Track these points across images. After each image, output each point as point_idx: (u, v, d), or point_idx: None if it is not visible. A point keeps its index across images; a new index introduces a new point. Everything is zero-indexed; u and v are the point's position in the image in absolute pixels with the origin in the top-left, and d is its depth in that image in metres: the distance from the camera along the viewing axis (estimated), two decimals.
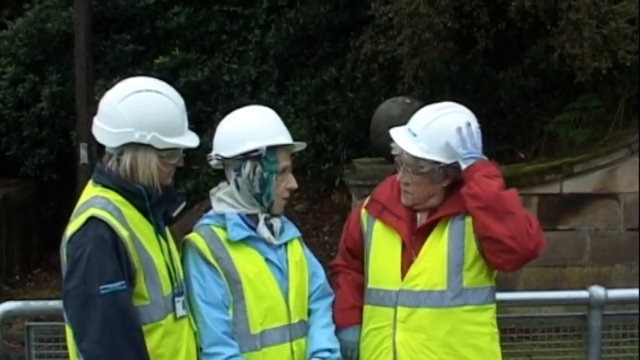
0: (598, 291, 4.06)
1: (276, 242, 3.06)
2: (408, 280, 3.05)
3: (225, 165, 3.08)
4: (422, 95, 9.13)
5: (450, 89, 9.96)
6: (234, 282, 2.95)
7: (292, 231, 3.15)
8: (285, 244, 3.10)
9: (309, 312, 3.12)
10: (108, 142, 2.79)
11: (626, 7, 8.23)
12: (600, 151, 8.59)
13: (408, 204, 3.12)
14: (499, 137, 10.06)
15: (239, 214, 3.03)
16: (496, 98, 10.09)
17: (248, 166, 3.00)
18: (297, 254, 3.12)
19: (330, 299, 3.18)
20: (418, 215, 3.14)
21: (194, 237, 3.02)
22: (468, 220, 3.03)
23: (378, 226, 3.19)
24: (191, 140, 2.88)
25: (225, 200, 3.07)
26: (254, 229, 3.03)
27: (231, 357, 2.92)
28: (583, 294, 4.12)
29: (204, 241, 2.99)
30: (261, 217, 3.05)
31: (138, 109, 2.75)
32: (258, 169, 3.00)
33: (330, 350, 3.03)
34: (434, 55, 9.20)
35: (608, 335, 4.22)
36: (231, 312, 2.96)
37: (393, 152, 3.12)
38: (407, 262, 3.08)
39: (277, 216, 3.10)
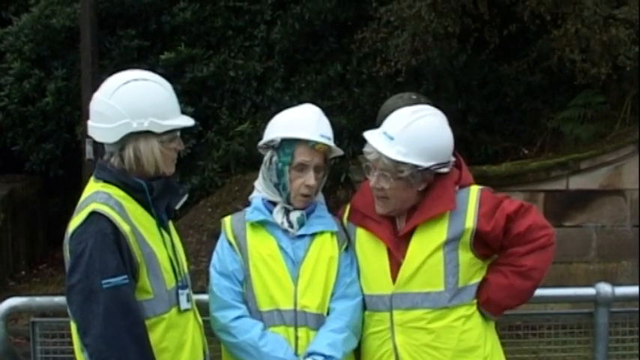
0: (605, 288, 4.03)
1: (291, 231, 3.10)
2: (400, 283, 3.04)
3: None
4: (426, 91, 9.11)
5: (455, 85, 9.94)
6: (245, 260, 3.08)
7: (322, 225, 3.14)
8: (314, 237, 3.11)
9: (329, 310, 3.09)
10: (107, 138, 2.81)
11: (626, 15, 8.23)
12: (607, 147, 8.58)
13: (383, 212, 3.09)
14: (505, 134, 10.06)
15: (262, 199, 3.15)
16: (502, 95, 10.08)
17: (267, 155, 3.14)
18: (326, 248, 3.11)
19: (352, 303, 3.09)
20: (397, 216, 3.12)
21: (227, 217, 3.24)
22: (454, 220, 3.02)
23: (360, 233, 3.17)
24: (186, 120, 2.90)
25: (255, 187, 3.22)
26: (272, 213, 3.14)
27: (235, 318, 3.03)
28: (590, 291, 4.09)
29: (230, 221, 3.19)
30: (280, 205, 3.13)
31: (130, 99, 2.77)
32: (274, 158, 3.10)
33: (324, 356, 2.98)
34: (436, 53, 9.20)
35: (614, 332, 4.20)
36: (244, 289, 3.08)
37: (369, 157, 3.04)
38: (395, 266, 3.06)
39: (301, 208, 3.13)
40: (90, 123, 2.85)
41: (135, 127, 2.76)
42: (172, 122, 2.83)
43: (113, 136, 2.78)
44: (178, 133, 2.89)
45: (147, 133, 2.78)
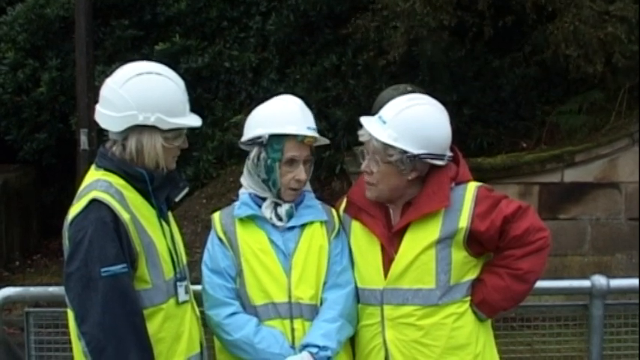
0: (600, 280, 4.04)
1: (280, 224, 3.10)
2: (392, 278, 3.04)
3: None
4: (421, 83, 9.09)
5: (450, 77, 9.93)
6: (237, 255, 3.07)
7: (312, 215, 3.14)
8: (303, 227, 3.11)
9: (322, 300, 3.09)
10: (112, 127, 2.80)
11: (621, 11, 8.22)
12: (602, 140, 8.58)
13: (371, 197, 3.09)
14: (500, 126, 10.05)
15: (250, 194, 3.14)
16: (497, 87, 10.07)
17: (254, 152, 3.10)
18: (316, 238, 3.11)
19: (343, 291, 3.09)
20: (391, 211, 3.12)
21: (216, 213, 3.22)
22: (448, 218, 3.01)
23: (355, 226, 3.17)
24: (194, 120, 2.90)
25: (242, 182, 3.19)
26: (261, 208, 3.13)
27: (229, 315, 3.03)
28: (585, 283, 4.10)
29: (219, 217, 3.17)
30: (269, 200, 3.12)
31: (140, 92, 2.77)
32: (263, 155, 3.07)
33: (319, 347, 2.98)
34: (430, 45, 9.19)
35: (609, 325, 4.22)
36: (237, 285, 3.07)
37: (361, 139, 3.07)
38: (388, 261, 3.06)
39: (291, 201, 3.12)
40: (97, 107, 2.84)
41: (141, 120, 2.75)
42: (179, 121, 2.82)
43: (118, 126, 2.78)
44: (185, 131, 2.88)
45: (152, 128, 2.77)
